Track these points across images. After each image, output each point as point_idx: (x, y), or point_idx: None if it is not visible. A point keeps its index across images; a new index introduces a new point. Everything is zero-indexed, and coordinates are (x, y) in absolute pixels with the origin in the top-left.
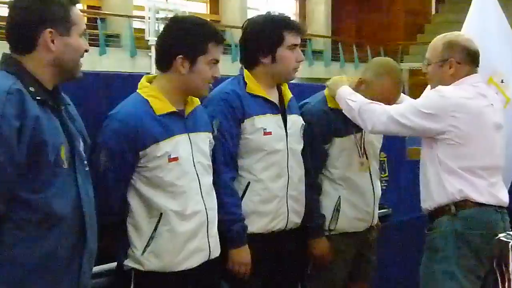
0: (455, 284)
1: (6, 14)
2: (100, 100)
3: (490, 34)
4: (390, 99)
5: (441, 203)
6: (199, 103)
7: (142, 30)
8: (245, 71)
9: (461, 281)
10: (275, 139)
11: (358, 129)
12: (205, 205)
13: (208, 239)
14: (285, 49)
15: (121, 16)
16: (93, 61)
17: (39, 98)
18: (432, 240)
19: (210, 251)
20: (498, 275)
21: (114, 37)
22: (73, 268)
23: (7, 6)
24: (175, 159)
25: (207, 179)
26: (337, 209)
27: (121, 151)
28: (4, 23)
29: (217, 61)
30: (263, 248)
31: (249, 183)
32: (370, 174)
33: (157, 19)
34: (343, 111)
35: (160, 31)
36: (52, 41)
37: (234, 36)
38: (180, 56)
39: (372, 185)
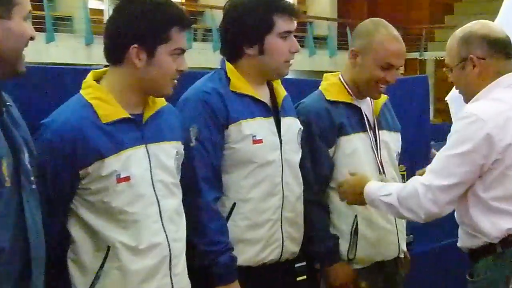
0: None
1: None
2: (46, 101)
3: None
4: (394, 56)
5: (485, 241)
6: (165, 103)
7: (100, 12)
8: (228, 64)
9: None
10: (267, 148)
11: (369, 126)
12: (167, 236)
13: (171, 279)
14: (276, 37)
15: None
16: (39, 50)
17: None
18: None
19: None
20: None
21: (64, 20)
22: None
23: None
24: (126, 179)
25: (171, 202)
26: (354, 231)
27: (55, 170)
28: None
29: (182, 51)
30: (253, 285)
31: (234, 204)
32: None
33: None
34: (384, 212)
35: None
36: None
37: (216, 18)
38: (135, 45)
39: None
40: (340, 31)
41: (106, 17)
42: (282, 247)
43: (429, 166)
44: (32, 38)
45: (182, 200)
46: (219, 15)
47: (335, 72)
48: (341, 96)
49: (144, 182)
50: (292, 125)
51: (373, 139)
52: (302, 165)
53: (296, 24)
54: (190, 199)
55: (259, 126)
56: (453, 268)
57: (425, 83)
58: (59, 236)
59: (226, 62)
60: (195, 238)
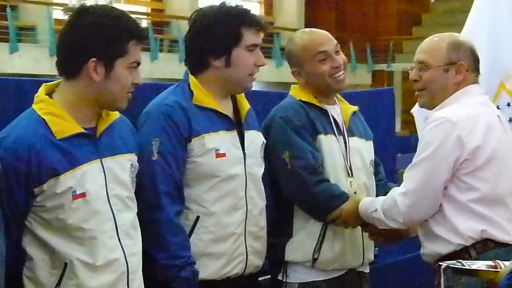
0: None
1: None
2: (9, 114)
3: (502, 27)
4: (318, 43)
5: (458, 243)
6: (118, 115)
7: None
8: (191, 77)
9: None
10: (231, 162)
11: (338, 131)
12: (124, 252)
13: None
14: (243, 49)
15: (38, 3)
16: (2, 61)
17: None
18: None
19: None
20: None
21: (28, 30)
22: None
23: None
24: (82, 195)
25: (127, 216)
26: (323, 233)
27: (8, 188)
28: None
29: (138, 64)
30: None
31: (198, 217)
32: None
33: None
34: (379, 226)
35: None
36: None
37: (182, 29)
38: (93, 59)
39: None
40: None
41: None
42: (246, 261)
43: (404, 174)
44: None
45: (143, 214)
46: (185, 25)
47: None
48: (310, 99)
49: (100, 197)
50: (255, 139)
51: (343, 144)
52: (301, 154)
53: (262, 36)
54: (152, 213)
55: (222, 140)
56: (416, 281)
57: (390, 95)
58: (14, 253)
59: (190, 75)
60: (156, 253)
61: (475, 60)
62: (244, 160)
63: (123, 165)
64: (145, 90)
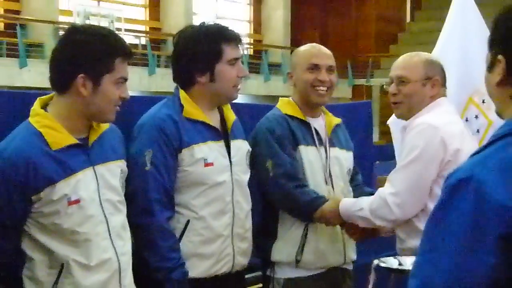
0: None
1: None
2: (16, 124)
3: (470, 45)
4: (315, 56)
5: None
6: (107, 125)
7: None
8: (181, 92)
9: None
10: (218, 171)
11: (320, 142)
12: (116, 251)
13: None
14: (225, 64)
15: (45, 22)
16: (12, 75)
17: None
18: None
19: None
20: None
21: (36, 47)
22: None
23: None
24: (76, 201)
25: (118, 218)
26: (304, 237)
27: (7, 196)
28: None
29: (125, 80)
30: None
31: (188, 221)
32: None
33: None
34: (360, 224)
35: None
36: None
37: None
38: (82, 75)
39: None
40: None
41: None
42: (234, 261)
43: (389, 177)
44: None
45: (136, 220)
46: None
47: (288, 96)
48: (294, 111)
49: (93, 203)
50: (241, 147)
51: (324, 154)
52: (281, 162)
53: (241, 52)
54: (144, 219)
55: (210, 150)
56: None
57: (369, 108)
58: (14, 256)
59: (180, 89)
60: (148, 256)
61: (444, 75)
62: (231, 167)
63: (114, 171)
64: (143, 102)
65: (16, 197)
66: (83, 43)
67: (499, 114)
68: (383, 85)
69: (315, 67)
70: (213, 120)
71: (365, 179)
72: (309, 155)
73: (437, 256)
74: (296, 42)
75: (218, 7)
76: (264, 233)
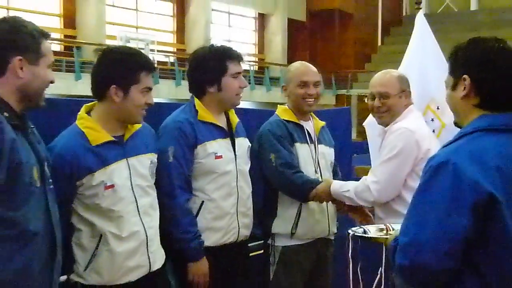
0: None
1: None
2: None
3: (427, 64)
4: (304, 74)
5: None
6: (140, 125)
7: None
8: (196, 100)
9: None
10: (225, 162)
11: (310, 140)
12: (143, 225)
13: (148, 256)
14: (229, 77)
15: (95, 44)
16: (69, 86)
17: (13, 123)
18: None
19: (150, 266)
20: None
21: (88, 64)
22: (45, 280)
23: None
24: (111, 186)
25: (146, 199)
26: (298, 215)
27: (58, 182)
28: None
29: (150, 89)
30: (218, 260)
31: (203, 202)
32: None
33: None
34: (346, 202)
35: None
36: (21, 68)
37: None
38: (114, 86)
39: None
40: None
41: None
42: (238, 233)
43: (372, 169)
44: (52, 82)
45: (162, 201)
46: None
47: (284, 103)
48: (290, 117)
49: (125, 187)
50: (243, 144)
51: (314, 150)
52: (281, 155)
53: (242, 67)
54: (169, 200)
55: (219, 145)
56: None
57: (348, 112)
58: (65, 227)
59: (195, 98)
60: (172, 229)
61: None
62: (235, 159)
63: (144, 163)
64: (171, 107)
65: (64, 183)
66: (114, 61)
67: (458, 124)
68: (360, 95)
69: (304, 84)
70: (221, 122)
71: (345, 168)
72: (303, 150)
73: (423, 219)
74: (291, 60)
75: (230, 32)
76: (266, 212)
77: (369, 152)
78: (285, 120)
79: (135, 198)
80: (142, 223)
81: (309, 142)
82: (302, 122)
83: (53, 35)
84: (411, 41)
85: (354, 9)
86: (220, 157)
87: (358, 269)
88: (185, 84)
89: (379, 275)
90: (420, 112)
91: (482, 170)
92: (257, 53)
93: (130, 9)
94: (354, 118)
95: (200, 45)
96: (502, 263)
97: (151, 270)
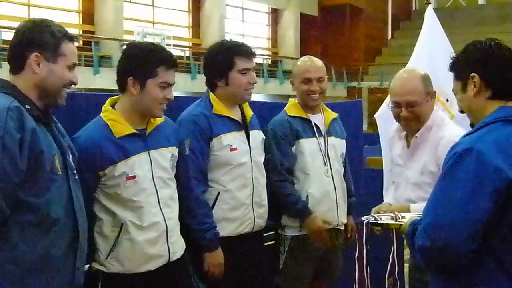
0: None
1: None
2: (89, 118)
3: (437, 57)
4: (307, 71)
5: None
6: (163, 119)
7: None
8: (211, 94)
9: None
10: (240, 154)
11: (319, 133)
12: (164, 216)
13: (168, 246)
14: (236, 73)
15: (113, 39)
16: (88, 80)
17: (34, 114)
18: None
19: (170, 256)
20: None
21: (106, 59)
22: (68, 266)
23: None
24: (133, 177)
25: (167, 191)
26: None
27: (81, 172)
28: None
29: (169, 84)
30: (234, 250)
31: (219, 193)
32: (332, 176)
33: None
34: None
35: None
36: (38, 64)
37: None
38: (131, 78)
39: (334, 185)
40: None
41: None
42: (254, 223)
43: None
44: (74, 84)
45: (179, 193)
46: None
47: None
48: (298, 112)
49: (146, 179)
50: (257, 136)
51: (323, 142)
52: (270, 159)
53: (254, 63)
54: (185, 192)
55: (234, 138)
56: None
57: (360, 104)
58: (88, 216)
59: (210, 92)
60: (189, 220)
61: None
62: (250, 151)
63: (165, 155)
64: (188, 101)
65: (87, 173)
66: (133, 55)
67: (474, 124)
68: (370, 87)
69: (308, 80)
70: (235, 115)
71: (356, 158)
72: (309, 145)
73: (447, 202)
74: (303, 54)
75: (244, 27)
76: (276, 204)
77: (379, 143)
78: (292, 116)
79: (156, 189)
80: (163, 214)
81: (317, 135)
82: (310, 116)
83: (72, 30)
84: (420, 35)
85: (365, 4)
86: (235, 149)
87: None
88: (200, 77)
89: (391, 260)
90: None
91: (505, 157)
92: (270, 47)
93: (146, 4)
94: (365, 110)
95: (215, 39)
96: None
97: (171, 260)
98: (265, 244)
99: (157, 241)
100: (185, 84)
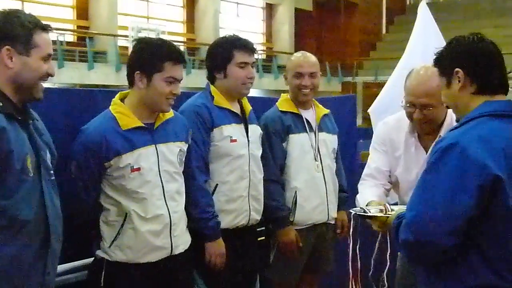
0: None
1: None
2: (88, 112)
3: (430, 52)
4: (299, 66)
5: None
6: (172, 114)
7: (126, 48)
8: (211, 86)
9: None
10: (240, 146)
11: (310, 128)
12: (168, 209)
13: (171, 239)
14: (234, 66)
15: (107, 35)
16: (83, 75)
17: (6, 112)
18: None
19: (172, 249)
20: None
21: (101, 54)
22: (38, 270)
23: None
24: (137, 169)
25: (173, 185)
26: (294, 202)
27: (87, 162)
28: None
29: (175, 79)
30: (229, 242)
31: (217, 185)
32: (323, 171)
33: (139, 38)
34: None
35: None
36: (10, 58)
37: None
38: (138, 72)
39: (325, 180)
40: None
41: (130, 52)
42: (249, 216)
43: None
44: (51, 75)
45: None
46: None
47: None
48: (289, 107)
49: (152, 171)
50: (255, 130)
51: (314, 138)
52: (264, 156)
53: (254, 58)
54: (188, 182)
55: (234, 130)
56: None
57: (353, 100)
58: (94, 206)
59: (210, 85)
60: (192, 209)
61: None
62: (248, 144)
63: (172, 150)
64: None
65: (93, 163)
66: (141, 49)
67: (460, 119)
68: (364, 82)
69: (300, 75)
70: (235, 108)
71: (351, 153)
72: (300, 140)
73: (430, 197)
74: (298, 49)
75: (239, 22)
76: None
77: None
78: (283, 111)
79: (162, 182)
80: (167, 207)
81: (308, 131)
82: (301, 111)
83: (66, 26)
84: (414, 30)
85: None
86: (235, 140)
87: (357, 248)
88: (195, 73)
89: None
90: None
91: (489, 152)
92: (265, 42)
93: (141, 0)
94: (360, 105)
95: (209, 34)
96: (502, 238)
97: (173, 254)
98: (259, 239)
99: (160, 233)
100: None
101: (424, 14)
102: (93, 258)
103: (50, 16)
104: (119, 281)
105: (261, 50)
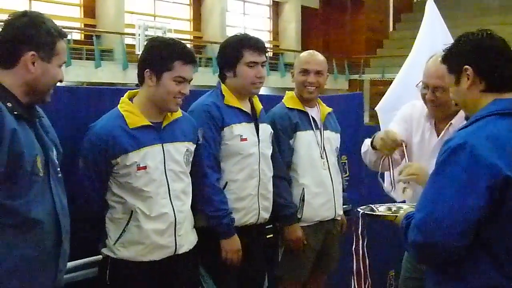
0: None
1: None
2: (97, 109)
3: (437, 49)
4: (306, 63)
5: None
6: (181, 114)
7: (133, 46)
8: (222, 85)
9: None
10: (250, 145)
11: (316, 126)
12: (173, 208)
13: (175, 238)
14: (244, 65)
15: (114, 33)
16: (90, 73)
17: (16, 113)
18: None
19: (176, 248)
20: None
21: (108, 52)
22: (50, 268)
23: (3, 23)
24: (144, 167)
25: (179, 185)
26: (302, 199)
27: (95, 160)
28: None
29: (184, 79)
30: (240, 240)
31: (226, 183)
32: (329, 168)
33: (146, 36)
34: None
35: None
36: (33, 63)
37: (215, 50)
38: (148, 70)
39: (331, 177)
40: None
41: (137, 50)
42: (258, 214)
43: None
44: (61, 81)
45: (195, 182)
46: (215, 48)
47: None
48: (296, 105)
49: (158, 170)
50: (266, 129)
51: (319, 135)
52: (274, 154)
53: (264, 57)
54: (200, 180)
55: (244, 128)
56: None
57: (360, 98)
58: (101, 203)
59: (221, 83)
60: (206, 207)
61: None
62: (259, 143)
63: (179, 149)
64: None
65: (100, 160)
66: (152, 48)
67: (469, 116)
68: (371, 79)
69: (305, 72)
70: (245, 107)
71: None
72: (307, 137)
73: (439, 198)
74: (305, 47)
75: (245, 20)
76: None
77: None
78: (290, 108)
79: (168, 181)
80: (172, 206)
81: (314, 129)
82: (307, 109)
83: (74, 24)
84: (421, 27)
85: None
86: (245, 139)
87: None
88: (201, 71)
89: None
90: None
91: (499, 152)
92: (271, 40)
93: None
94: (367, 103)
95: (216, 32)
96: (511, 240)
97: (177, 253)
98: (267, 237)
99: (165, 232)
100: None
101: (431, 11)
102: (101, 255)
103: (57, 14)
104: (123, 279)
105: (268, 48)
